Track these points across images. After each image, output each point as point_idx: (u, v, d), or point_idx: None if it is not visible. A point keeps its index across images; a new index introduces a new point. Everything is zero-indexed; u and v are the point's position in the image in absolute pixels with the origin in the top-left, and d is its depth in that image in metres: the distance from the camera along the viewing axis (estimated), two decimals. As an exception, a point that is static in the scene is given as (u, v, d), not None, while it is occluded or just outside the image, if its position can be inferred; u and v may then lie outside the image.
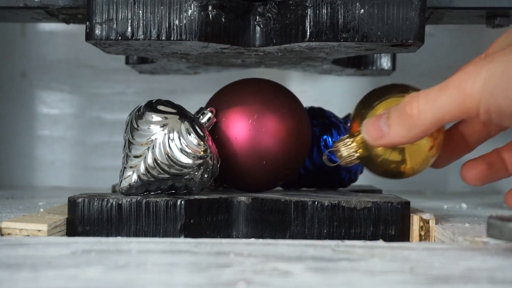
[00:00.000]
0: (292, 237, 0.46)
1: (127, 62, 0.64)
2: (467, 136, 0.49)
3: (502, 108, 0.39)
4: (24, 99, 0.82)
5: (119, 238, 0.42)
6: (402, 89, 0.46)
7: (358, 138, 0.46)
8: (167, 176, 0.46)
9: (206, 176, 0.47)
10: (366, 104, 0.47)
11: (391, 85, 0.48)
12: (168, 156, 0.46)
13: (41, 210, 0.49)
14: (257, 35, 0.49)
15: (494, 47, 0.45)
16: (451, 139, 0.49)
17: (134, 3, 0.46)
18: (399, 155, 0.46)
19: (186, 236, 0.45)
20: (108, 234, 0.45)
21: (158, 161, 0.46)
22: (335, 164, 0.48)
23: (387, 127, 0.43)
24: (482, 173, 0.48)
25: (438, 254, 0.37)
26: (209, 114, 0.49)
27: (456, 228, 0.44)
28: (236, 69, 0.65)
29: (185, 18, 0.46)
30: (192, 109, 0.50)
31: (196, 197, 0.47)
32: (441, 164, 0.51)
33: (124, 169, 0.47)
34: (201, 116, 0.49)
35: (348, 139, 0.46)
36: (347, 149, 0.46)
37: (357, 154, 0.46)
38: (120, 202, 0.45)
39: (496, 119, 0.40)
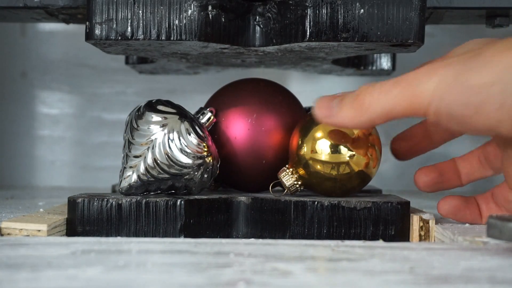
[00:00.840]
0: (292, 237, 0.46)
1: (127, 62, 0.64)
2: (431, 133, 0.50)
3: (452, 113, 0.39)
4: (24, 99, 0.82)
5: (119, 238, 0.42)
6: None
7: (299, 167, 0.48)
8: (167, 176, 0.46)
9: (206, 176, 0.47)
10: (305, 130, 0.48)
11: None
12: (168, 156, 0.46)
13: (41, 210, 0.49)
14: (257, 35, 0.49)
15: (454, 52, 0.44)
16: (416, 133, 0.51)
17: (134, 3, 0.46)
18: (337, 179, 0.47)
19: (186, 236, 0.45)
20: (108, 234, 0.45)
21: (158, 161, 0.46)
22: (284, 193, 0.49)
23: (338, 108, 0.43)
24: (432, 180, 0.49)
25: (438, 254, 0.37)
26: (209, 114, 0.49)
27: (456, 228, 0.44)
28: (236, 69, 0.65)
29: (185, 18, 0.46)
30: (192, 109, 0.50)
31: (196, 197, 0.47)
32: (404, 156, 0.52)
33: (124, 169, 0.47)
34: (201, 116, 0.49)
35: (288, 169, 0.48)
36: (289, 178, 0.48)
37: (299, 182, 0.48)
38: (120, 202, 0.45)
39: (445, 122, 0.40)
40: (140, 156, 0.46)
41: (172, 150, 0.46)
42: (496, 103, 0.37)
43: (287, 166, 0.49)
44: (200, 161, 0.46)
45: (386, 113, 0.41)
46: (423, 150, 0.52)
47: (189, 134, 0.46)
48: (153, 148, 0.46)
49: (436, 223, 0.46)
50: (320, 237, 0.45)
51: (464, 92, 0.38)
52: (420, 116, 0.41)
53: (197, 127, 0.47)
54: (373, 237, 0.45)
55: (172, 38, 0.46)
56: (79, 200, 0.45)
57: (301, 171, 0.48)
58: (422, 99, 0.40)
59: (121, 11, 0.46)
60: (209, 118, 0.49)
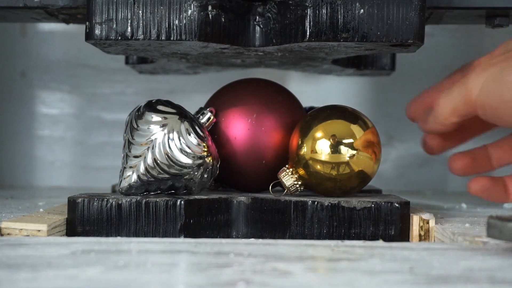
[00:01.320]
0: (292, 237, 0.46)
1: (126, 62, 0.64)
2: (462, 128, 0.54)
3: (495, 107, 0.46)
4: (24, 99, 0.82)
5: (119, 238, 0.42)
6: (341, 114, 0.48)
7: (299, 168, 0.48)
8: (167, 176, 0.46)
9: (206, 176, 0.47)
10: (304, 130, 0.48)
11: (332, 107, 0.49)
12: (168, 156, 0.46)
13: (41, 210, 0.49)
14: (257, 35, 0.49)
15: (500, 49, 0.49)
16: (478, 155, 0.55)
17: (134, 3, 0.46)
18: (338, 177, 0.47)
19: (186, 236, 0.45)
20: (108, 234, 0.45)
21: (158, 161, 0.46)
22: (284, 193, 0.49)
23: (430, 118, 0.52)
24: (466, 165, 0.54)
25: (438, 254, 0.37)
26: (209, 114, 0.49)
27: (456, 228, 0.44)
28: (236, 69, 0.65)
29: (185, 18, 0.46)
30: (192, 109, 0.50)
31: (196, 197, 0.47)
32: (436, 151, 0.57)
33: (123, 169, 0.47)
34: (201, 116, 0.49)
35: (288, 169, 0.48)
36: (289, 178, 0.48)
37: (299, 182, 0.48)
38: (120, 202, 0.45)
39: (490, 117, 0.46)
40: (140, 156, 0.46)
41: (172, 150, 0.46)
42: None
43: (287, 166, 0.49)
44: (200, 161, 0.46)
45: (453, 110, 0.48)
46: (454, 144, 0.57)
47: (189, 134, 0.46)
48: (153, 148, 0.46)
49: (436, 223, 0.46)
50: (320, 237, 0.45)
51: (503, 87, 0.45)
52: (473, 111, 0.47)
53: (197, 127, 0.47)
54: (373, 237, 0.45)
55: (172, 38, 0.46)
56: (79, 200, 0.45)
57: (301, 171, 0.48)
58: (471, 94, 0.47)
59: (121, 11, 0.46)
60: (209, 118, 0.49)
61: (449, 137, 0.55)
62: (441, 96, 0.49)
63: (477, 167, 0.54)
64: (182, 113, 0.47)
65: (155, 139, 0.46)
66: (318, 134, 0.47)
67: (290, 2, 0.47)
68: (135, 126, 0.46)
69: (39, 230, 0.42)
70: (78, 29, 0.78)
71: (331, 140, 0.47)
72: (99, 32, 0.46)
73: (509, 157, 0.54)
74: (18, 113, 0.82)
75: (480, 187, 0.51)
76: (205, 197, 0.47)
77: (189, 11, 0.46)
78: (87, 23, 0.46)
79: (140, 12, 0.46)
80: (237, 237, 0.48)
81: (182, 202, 0.45)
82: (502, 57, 0.46)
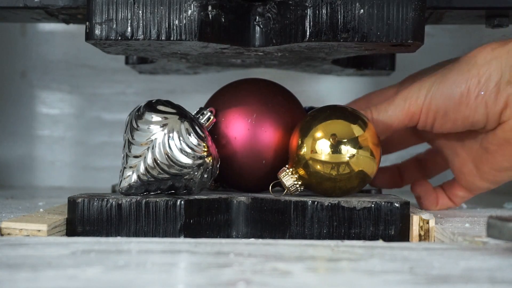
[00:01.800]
0: (292, 237, 0.46)
1: (127, 62, 0.64)
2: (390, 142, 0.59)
3: (444, 108, 0.50)
4: (24, 99, 0.82)
5: (119, 238, 0.42)
6: (340, 115, 0.48)
7: (299, 168, 0.48)
8: (167, 176, 0.46)
9: (205, 176, 0.47)
10: (304, 130, 0.48)
11: (332, 107, 0.49)
12: (168, 156, 0.46)
13: (41, 210, 0.49)
14: (257, 35, 0.49)
15: (430, 69, 0.56)
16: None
17: (134, 3, 0.46)
18: (337, 179, 0.47)
19: (186, 236, 0.45)
20: (108, 234, 0.45)
21: (158, 161, 0.46)
22: (284, 193, 0.49)
23: None
24: (385, 180, 0.60)
25: (438, 254, 0.37)
26: (209, 114, 0.49)
27: (456, 228, 0.44)
28: (236, 69, 0.65)
29: (185, 18, 0.46)
30: (192, 109, 0.50)
31: (196, 197, 0.47)
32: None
33: (123, 169, 0.47)
34: (201, 116, 0.49)
35: (288, 170, 0.48)
36: (289, 178, 0.48)
37: (299, 182, 0.48)
38: (120, 202, 0.45)
39: (433, 120, 0.51)
40: (140, 156, 0.46)
41: (172, 150, 0.46)
42: (474, 93, 0.49)
43: (287, 166, 0.49)
44: (200, 161, 0.46)
45: (387, 127, 0.52)
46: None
47: (189, 134, 0.46)
48: (153, 148, 0.46)
49: (436, 223, 0.46)
50: (320, 237, 0.45)
51: (447, 87, 0.50)
52: (414, 122, 0.51)
53: (197, 127, 0.47)
54: (373, 237, 0.45)
55: (172, 38, 0.46)
56: (79, 200, 0.45)
57: (301, 171, 0.48)
58: (416, 105, 0.51)
59: (121, 11, 0.46)
60: (209, 118, 0.49)
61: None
62: (371, 114, 0.52)
63: (392, 182, 0.61)
64: (182, 113, 0.47)
65: (155, 139, 0.46)
66: (318, 134, 0.47)
67: (290, 2, 0.47)
68: (135, 126, 0.46)
69: (39, 230, 0.42)
70: (78, 29, 0.78)
71: (331, 140, 0.47)
72: (99, 32, 0.46)
73: (414, 176, 0.60)
74: (18, 113, 0.82)
75: (421, 190, 0.56)
76: (205, 197, 0.47)
77: (189, 11, 0.46)
78: (87, 23, 0.46)
79: (140, 12, 0.46)
80: (237, 237, 0.48)
81: (182, 202, 0.45)
82: (439, 71, 0.51)
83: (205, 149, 0.46)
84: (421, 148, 0.61)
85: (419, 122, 0.51)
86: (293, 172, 0.48)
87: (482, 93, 0.49)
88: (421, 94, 0.51)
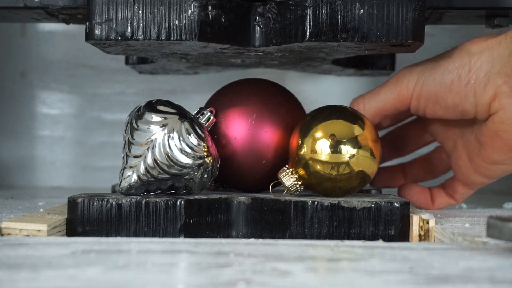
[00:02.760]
0: (292, 237, 0.46)
1: (127, 62, 0.64)
2: (399, 144, 0.60)
3: (430, 93, 0.51)
4: (24, 99, 0.82)
5: (119, 238, 0.42)
6: (340, 114, 0.48)
7: (299, 168, 0.48)
8: (167, 176, 0.46)
9: (205, 176, 0.47)
10: (304, 130, 0.48)
11: (332, 107, 0.49)
12: (168, 156, 0.46)
13: (41, 210, 0.49)
14: (257, 35, 0.49)
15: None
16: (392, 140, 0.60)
17: (134, 3, 0.46)
18: (338, 179, 0.47)
19: (186, 236, 0.45)
20: (108, 234, 0.45)
21: (158, 161, 0.46)
22: (284, 193, 0.49)
23: None
24: (385, 179, 0.60)
25: (438, 254, 0.37)
26: (209, 114, 0.49)
27: (456, 228, 0.44)
28: (236, 69, 0.65)
29: (185, 18, 0.46)
30: (192, 109, 0.50)
31: (196, 197, 0.47)
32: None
33: (123, 169, 0.47)
34: (201, 116, 0.49)
35: (288, 170, 0.48)
36: (289, 178, 0.48)
37: (299, 182, 0.48)
38: (120, 202, 0.45)
39: (424, 105, 0.51)
40: (140, 156, 0.46)
41: (172, 150, 0.46)
42: (464, 80, 0.49)
43: (287, 166, 0.49)
44: (200, 161, 0.46)
45: (380, 110, 0.53)
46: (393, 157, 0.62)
47: (189, 134, 0.46)
48: (153, 148, 0.46)
49: (436, 223, 0.46)
50: (320, 237, 0.45)
51: (439, 73, 0.50)
52: (405, 106, 0.52)
53: (197, 127, 0.47)
54: (373, 237, 0.45)
55: (172, 38, 0.46)
56: (79, 200, 0.45)
57: (301, 171, 0.48)
58: (407, 89, 0.52)
59: (121, 11, 0.46)
60: (209, 118, 0.49)
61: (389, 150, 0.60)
62: (363, 100, 0.53)
63: (393, 182, 0.60)
64: (182, 113, 0.47)
65: (155, 139, 0.46)
66: (318, 134, 0.47)
67: (290, 2, 0.47)
68: (135, 126, 0.46)
69: (39, 230, 0.42)
70: (78, 29, 0.78)
71: (331, 140, 0.47)
72: (99, 32, 0.46)
73: (420, 175, 0.60)
74: (18, 113, 0.82)
75: (406, 193, 0.57)
76: (205, 197, 0.47)
77: (189, 11, 0.46)
78: (87, 23, 0.46)
79: (140, 12, 0.46)
80: (237, 237, 0.48)
81: (182, 202, 0.45)
82: (430, 58, 0.52)
83: (205, 149, 0.46)
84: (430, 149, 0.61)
85: (411, 106, 0.52)
86: (293, 172, 0.48)
87: (472, 81, 0.49)
88: (412, 78, 0.52)
